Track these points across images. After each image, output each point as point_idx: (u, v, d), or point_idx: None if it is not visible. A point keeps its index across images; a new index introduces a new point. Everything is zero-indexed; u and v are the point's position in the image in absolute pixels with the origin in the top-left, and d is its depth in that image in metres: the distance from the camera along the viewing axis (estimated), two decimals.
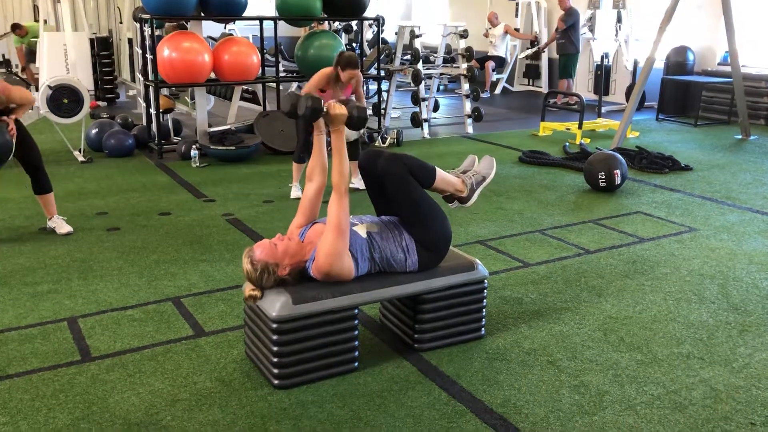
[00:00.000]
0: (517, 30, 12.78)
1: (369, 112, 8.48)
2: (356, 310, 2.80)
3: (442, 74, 9.40)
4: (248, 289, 2.74)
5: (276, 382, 2.72)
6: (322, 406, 2.63)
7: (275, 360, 2.69)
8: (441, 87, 11.93)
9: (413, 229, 2.90)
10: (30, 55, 11.53)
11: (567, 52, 10.78)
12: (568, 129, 8.32)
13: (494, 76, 12.48)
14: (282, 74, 9.14)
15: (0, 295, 3.66)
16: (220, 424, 2.51)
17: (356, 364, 2.87)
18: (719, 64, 10.13)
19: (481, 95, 9.44)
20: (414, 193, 2.88)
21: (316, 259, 2.73)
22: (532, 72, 13.03)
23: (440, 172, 3.03)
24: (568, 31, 10.65)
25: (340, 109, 2.80)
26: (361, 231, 2.83)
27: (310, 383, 2.76)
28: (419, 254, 2.91)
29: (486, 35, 12.33)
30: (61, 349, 3.07)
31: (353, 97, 5.53)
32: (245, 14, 7.56)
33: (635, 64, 10.37)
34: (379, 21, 8.63)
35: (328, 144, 2.88)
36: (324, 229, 2.78)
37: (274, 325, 2.65)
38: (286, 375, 2.72)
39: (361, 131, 2.81)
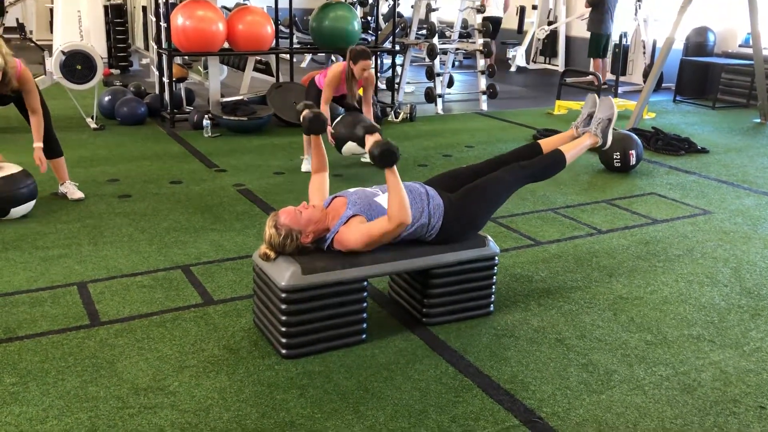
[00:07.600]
0: (534, 8, 12.58)
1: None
2: (365, 283, 2.79)
3: (457, 49, 9.29)
4: (264, 246, 2.76)
5: (284, 351, 2.73)
6: (328, 377, 2.63)
7: (283, 329, 2.69)
8: (456, 62, 11.81)
9: (464, 195, 2.97)
10: None
11: (591, 30, 10.46)
12: None
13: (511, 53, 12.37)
14: (296, 46, 9.06)
15: (11, 258, 3.68)
16: (227, 392, 2.52)
17: (364, 336, 2.86)
18: (740, 46, 9.95)
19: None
20: (500, 183, 3.08)
21: (341, 233, 2.74)
22: (548, 50, 12.87)
23: (569, 154, 3.24)
24: (594, 8, 10.26)
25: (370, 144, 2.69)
26: (384, 202, 2.80)
27: (318, 354, 2.76)
28: (445, 220, 2.89)
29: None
30: (70, 312, 3.09)
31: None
32: None
33: (654, 44, 10.20)
34: None
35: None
36: (345, 202, 2.82)
37: (283, 295, 2.64)
38: (294, 345, 2.72)
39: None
